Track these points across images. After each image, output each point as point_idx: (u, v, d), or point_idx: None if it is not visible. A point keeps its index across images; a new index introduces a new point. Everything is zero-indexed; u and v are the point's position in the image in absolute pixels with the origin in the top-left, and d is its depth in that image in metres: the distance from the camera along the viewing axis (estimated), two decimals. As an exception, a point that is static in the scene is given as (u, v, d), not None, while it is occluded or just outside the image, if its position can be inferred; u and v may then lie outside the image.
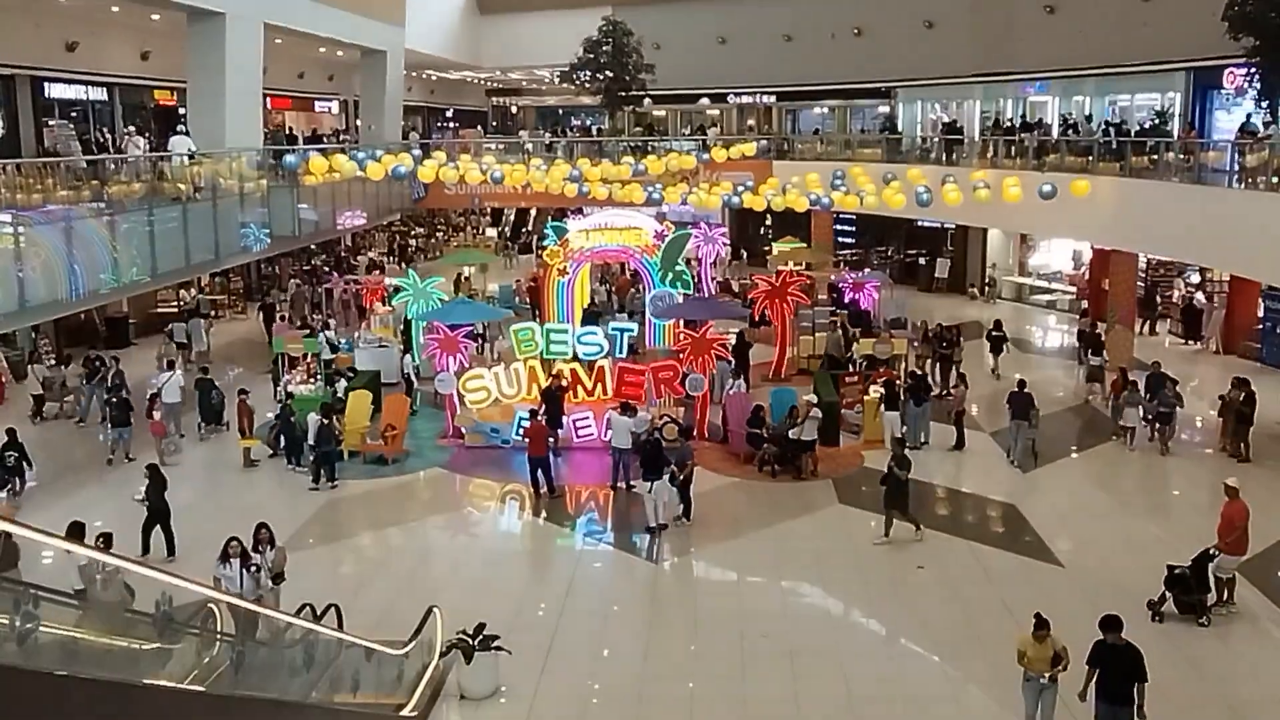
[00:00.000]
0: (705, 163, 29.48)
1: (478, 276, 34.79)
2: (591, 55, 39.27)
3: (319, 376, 21.37)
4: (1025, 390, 18.91)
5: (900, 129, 36.53)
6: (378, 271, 34.35)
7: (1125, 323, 25.12)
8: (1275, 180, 19.49)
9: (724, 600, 13.72)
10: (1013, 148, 28.10)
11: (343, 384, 20.55)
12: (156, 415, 18.81)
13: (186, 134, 22.14)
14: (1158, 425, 19.25)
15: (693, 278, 26.05)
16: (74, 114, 29.21)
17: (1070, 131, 28.34)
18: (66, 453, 19.55)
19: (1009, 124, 31.20)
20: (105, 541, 11.73)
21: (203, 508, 16.50)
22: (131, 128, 26.54)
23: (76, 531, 11.85)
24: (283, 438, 18.81)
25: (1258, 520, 13.31)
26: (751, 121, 45.27)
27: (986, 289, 33.93)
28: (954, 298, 33.65)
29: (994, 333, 24.66)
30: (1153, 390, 19.57)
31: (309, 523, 16.29)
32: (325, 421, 17.73)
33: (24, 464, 16.62)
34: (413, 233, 44.41)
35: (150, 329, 28.36)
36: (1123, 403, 19.62)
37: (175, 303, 29.42)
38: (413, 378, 21.83)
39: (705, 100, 45.61)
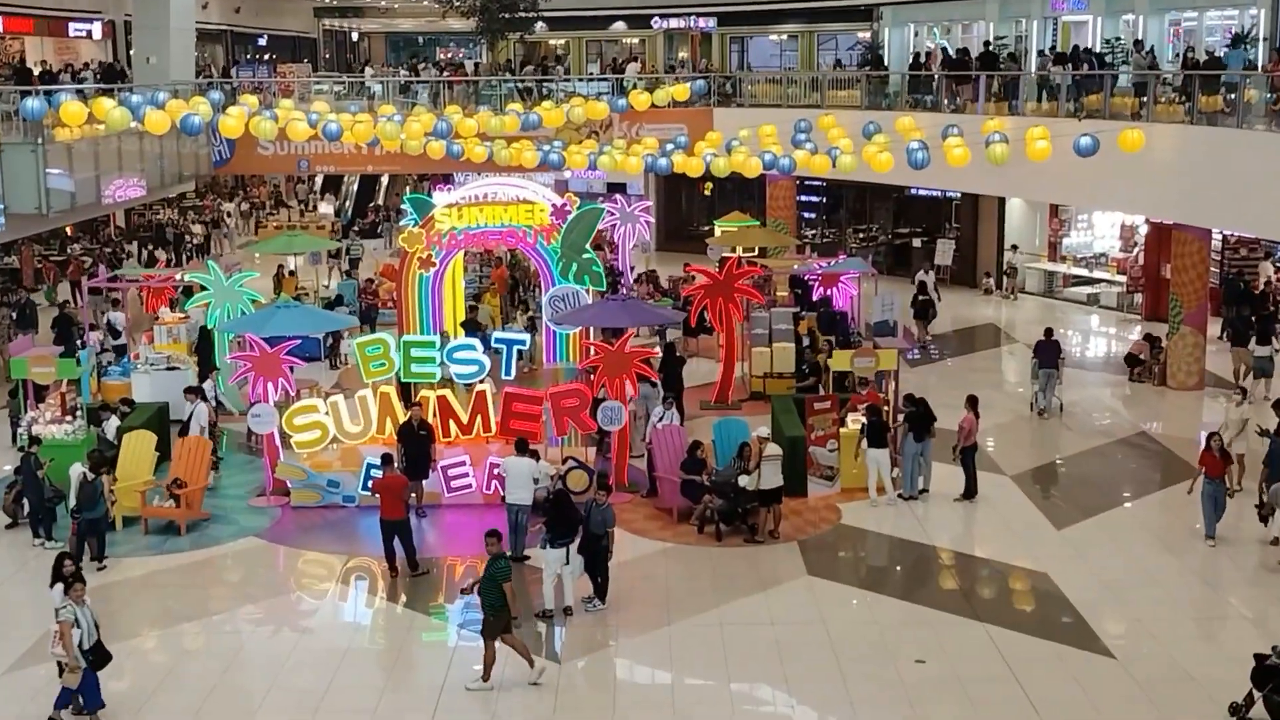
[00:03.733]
0: (622, 111, 29.74)
1: (307, 270, 34.53)
2: (464, -41, 39.36)
3: (78, 412, 21.03)
4: (1053, 339, 24.04)
5: (887, 63, 37.23)
6: (160, 264, 33.93)
7: (1194, 324, 25.77)
8: None
9: (652, 713, 13.80)
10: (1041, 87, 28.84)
11: (114, 422, 20.22)
12: None
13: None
14: None
15: (606, 269, 26.24)
16: None
17: (1119, 63, 29.06)
18: None
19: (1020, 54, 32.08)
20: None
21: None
22: None
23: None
24: (25, 501, 18.46)
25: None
26: (685, 54, 45.84)
27: (1004, 279, 34.67)
28: (960, 292, 34.34)
29: (920, 297, 29.09)
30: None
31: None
32: (90, 476, 17.45)
33: None
34: (196, 217, 43.55)
35: None
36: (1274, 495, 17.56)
37: None
38: (213, 412, 21.55)
39: (621, 25, 46.05)
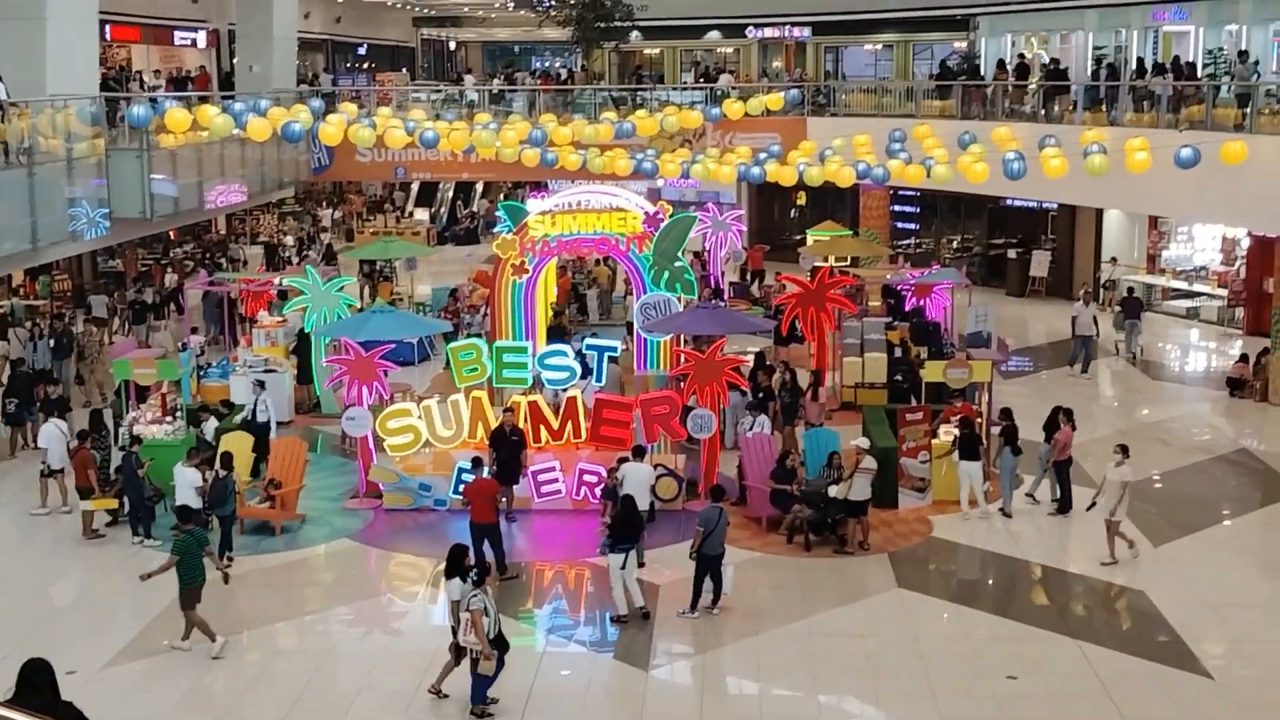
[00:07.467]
0: (715, 120, 29.71)
1: (403, 275, 34.96)
2: (559, -29, 39.70)
3: (178, 413, 21.41)
4: (1135, 295, 29.51)
5: (983, 73, 36.94)
6: (260, 268, 34.49)
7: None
8: None
9: (740, 722, 13.80)
10: (1140, 98, 28.41)
11: (212, 424, 20.55)
12: None
13: (-5, 75, 22.19)
14: None
15: (697, 278, 26.22)
16: None
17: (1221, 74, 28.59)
18: None
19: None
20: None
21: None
22: None
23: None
24: (125, 499, 18.81)
25: None
26: (779, 63, 45.74)
27: (1102, 292, 34.15)
28: (1056, 304, 33.81)
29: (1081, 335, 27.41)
30: None
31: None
32: (223, 473, 17.75)
33: None
34: (287, 224, 44.18)
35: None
36: None
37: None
38: (270, 421, 21.54)
39: (715, 34, 46.07)
